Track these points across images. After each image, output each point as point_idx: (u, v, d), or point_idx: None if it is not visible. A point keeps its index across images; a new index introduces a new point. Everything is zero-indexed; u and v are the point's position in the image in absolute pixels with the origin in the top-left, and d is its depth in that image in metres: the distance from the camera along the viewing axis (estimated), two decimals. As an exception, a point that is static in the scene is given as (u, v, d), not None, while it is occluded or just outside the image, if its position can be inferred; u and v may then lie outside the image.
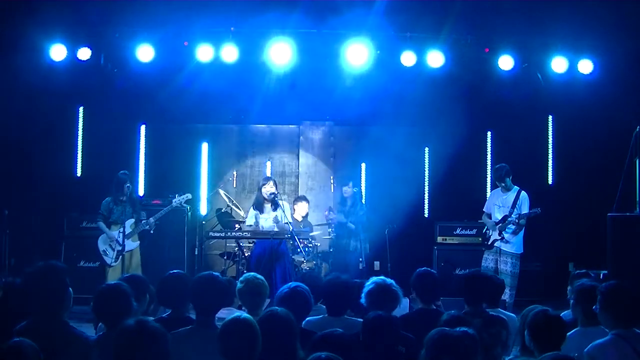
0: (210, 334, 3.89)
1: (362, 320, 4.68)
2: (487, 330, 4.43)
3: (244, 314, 3.51)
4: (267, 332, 3.44)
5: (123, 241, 8.10)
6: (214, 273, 4.29)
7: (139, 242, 8.40)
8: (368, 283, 4.55)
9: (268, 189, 8.40)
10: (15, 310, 3.67)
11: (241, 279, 4.62)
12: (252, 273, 4.69)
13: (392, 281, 4.57)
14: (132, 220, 8.30)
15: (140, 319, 3.27)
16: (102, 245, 8.27)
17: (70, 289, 3.83)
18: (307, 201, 9.74)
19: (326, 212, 9.59)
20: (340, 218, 9.07)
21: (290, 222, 8.29)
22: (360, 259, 8.78)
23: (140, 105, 10.13)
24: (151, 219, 8.37)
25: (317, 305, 5.00)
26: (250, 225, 8.42)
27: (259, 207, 8.47)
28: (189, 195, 8.73)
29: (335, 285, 4.70)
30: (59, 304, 3.74)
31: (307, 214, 9.73)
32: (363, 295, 4.52)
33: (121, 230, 8.10)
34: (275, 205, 8.43)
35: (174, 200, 8.58)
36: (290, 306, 3.94)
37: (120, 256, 8.15)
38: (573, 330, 4.19)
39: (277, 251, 8.25)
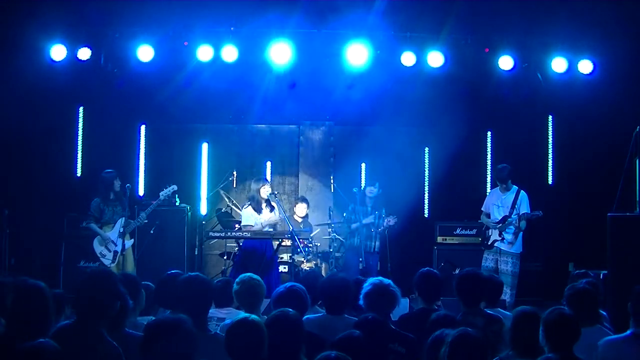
0: (203, 336, 3.89)
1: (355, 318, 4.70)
2: (490, 329, 4.45)
3: (252, 315, 3.51)
4: (275, 333, 3.45)
5: (123, 241, 8.12)
6: (192, 274, 4.26)
7: (132, 240, 8.41)
8: (365, 284, 4.50)
9: (267, 189, 8.43)
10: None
11: (237, 280, 4.59)
12: (248, 274, 4.65)
13: (389, 281, 4.52)
14: (124, 219, 8.29)
15: (175, 316, 3.29)
16: (98, 248, 8.25)
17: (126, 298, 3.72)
18: (307, 202, 9.74)
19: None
20: (370, 220, 8.91)
21: (286, 217, 8.30)
22: (360, 259, 8.76)
23: (140, 105, 10.13)
24: (142, 214, 8.41)
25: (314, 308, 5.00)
26: (252, 226, 8.42)
27: (257, 207, 8.47)
28: (175, 187, 8.72)
29: (334, 283, 4.68)
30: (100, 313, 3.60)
31: (307, 215, 9.73)
32: (361, 297, 4.48)
33: (120, 230, 8.12)
34: (271, 206, 8.48)
35: (161, 194, 8.58)
36: (287, 306, 3.94)
37: (118, 256, 8.16)
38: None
39: (271, 258, 8.27)
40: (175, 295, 4.17)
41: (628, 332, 3.97)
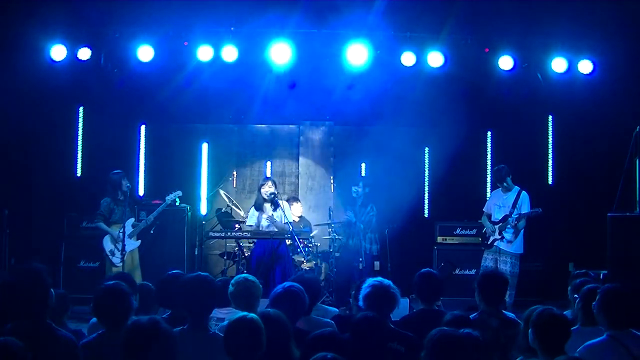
0: (203, 336, 3.89)
1: (329, 320, 4.68)
2: (503, 332, 4.43)
3: (250, 314, 3.51)
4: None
5: (124, 241, 8.14)
6: (202, 274, 4.26)
7: (139, 241, 8.44)
8: (365, 286, 4.47)
9: (267, 189, 8.40)
10: None
11: (232, 281, 4.53)
12: (244, 275, 4.62)
13: (389, 282, 4.49)
14: (132, 220, 8.36)
15: (152, 317, 3.29)
16: (108, 246, 8.29)
17: (52, 289, 3.71)
18: (299, 201, 9.75)
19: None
20: (350, 216, 9.01)
21: (290, 222, 8.29)
22: (360, 259, 8.76)
23: (140, 105, 10.13)
24: (150, 216, 8.44)
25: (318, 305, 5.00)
26: (251, 226, 8.43)
27: (259, 207, 8.47)
28: (180, 193, 8.80)
29: (299, 283, 4.61)
30: (41, 306, 3.62)
31: (301, 214, 9.73)
32: (360, 298, 4.45)
33: (121, 230, 8.15)
34: (275, 205, 8.45)
35: (167, 198, 8.65)
36: (284, 306, 3.94)
37: (123, 256, 8.19)
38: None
39: (277, 252, 8.25)
40: (180, 294, 4.17)
41: (604, 335, 3.93)
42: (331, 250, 9.25)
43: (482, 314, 4.63)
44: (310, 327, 4.31)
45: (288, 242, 8.52)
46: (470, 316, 4.59)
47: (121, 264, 8.15)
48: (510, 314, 4.92)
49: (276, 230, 8.27)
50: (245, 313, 3.53)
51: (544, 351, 3.56)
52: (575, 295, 4.88)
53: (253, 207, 8.56)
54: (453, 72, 9.32)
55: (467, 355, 3.15)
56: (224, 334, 3.42)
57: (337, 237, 9.28)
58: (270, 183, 8.46)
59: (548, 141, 10.43)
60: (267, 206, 8.49)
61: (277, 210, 8.41)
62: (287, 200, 9.65)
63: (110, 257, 8.27)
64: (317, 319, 4.64)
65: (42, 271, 3.70)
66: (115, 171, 8.45)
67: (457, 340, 3.16)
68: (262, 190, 8.41)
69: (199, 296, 4.03)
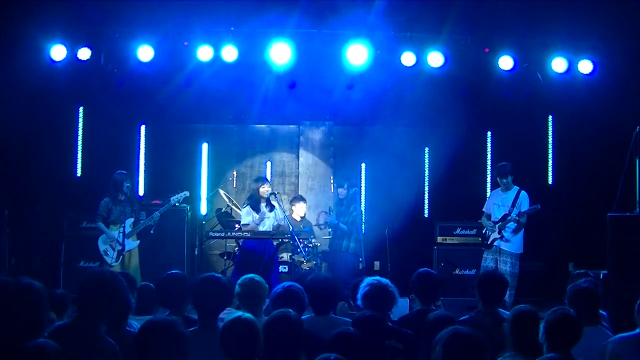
0: (214, 335, 3.88)
1: (348, 319, 4.69)
2: (497, 330, 4.45)
3: (245, 314, 3.51)
4: (275, 333, 3.44)
5: (123, 241, 8.14)
6: (215, 274, 4.27)
7: (138, 241, 8.43)
8: (363, 285, 4.47)
9: (267, 188, 8.47)
10: None
11: (239, 282, 4.55)
12: (250, 275, 4.62)
13: (387, 281, 4.49)
14: (132, 220, 8.36)
15: (170, 318, 3.29)
16: (102, 246, 8.29)
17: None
18: (305, 201, 9.74)
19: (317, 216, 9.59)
20: (330, 218, 9.04)
21: (286, 217, 8.32)
22: (361, 259, 8.76)
23: (140, 105, 10.13)
24: (157, 213, 8.42)
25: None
26: (248, 224, 8.44)
27: (256, 207, 8.49)
28: (187, 193, 8.80)
29: (318, 284, 4.62)
30: (111, 310, 3.62)
31: (304, 215, 9.74)
32: (358, 297, 4.45)
33: (121, 230, 8.14)
34: (271, 206, 8.50)
35: (172, 198, 8.64)
36: (284, 305, 3.93)
37: (121, 256, 8.18)
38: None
39: (271, 258, 8.28)
40: (192, 294, 4.18)
41: (637, 330, 3.97)
42: (329, 250, 9.28)
43: (479, 313, 4.69)
44: (331, 327, 4.29)
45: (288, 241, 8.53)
46: (467, 315, 4.64)
47: (116, 263, 8.15)
48: (508, 312, 4.94)
49: (275, 230, 8.33)
50: (240, 313, 3.53)
51: (550, 349, 3.59)
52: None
53: (248, 206, 8.56)
54: (453, 72, 9.33)
55: (479, 354, 3.17)
56: (220, 335, 3.42)
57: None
58: (268, 184, 8.58)
59: (548, 141, 10.43)
60: (263, 205, 8.52)
61: (274, 211, 8.46)
62: (291, 200, 9.69)
63: (104, 256, 8.27)
64: (338, 318, 4.64)
65: (119, 276, 3.73)
66: (120, 171, 8.45)
67: (470, 338, 3.18)
68: (261, 190, 8.45)
69: (211, 296, 4.05)
